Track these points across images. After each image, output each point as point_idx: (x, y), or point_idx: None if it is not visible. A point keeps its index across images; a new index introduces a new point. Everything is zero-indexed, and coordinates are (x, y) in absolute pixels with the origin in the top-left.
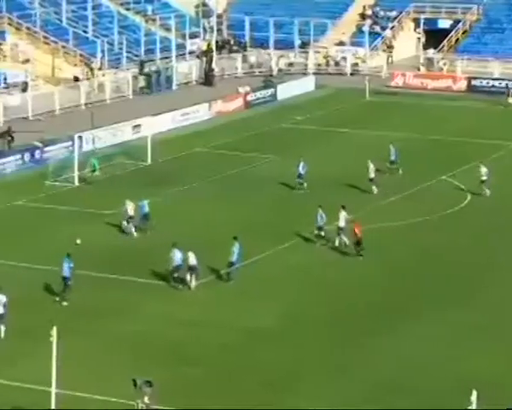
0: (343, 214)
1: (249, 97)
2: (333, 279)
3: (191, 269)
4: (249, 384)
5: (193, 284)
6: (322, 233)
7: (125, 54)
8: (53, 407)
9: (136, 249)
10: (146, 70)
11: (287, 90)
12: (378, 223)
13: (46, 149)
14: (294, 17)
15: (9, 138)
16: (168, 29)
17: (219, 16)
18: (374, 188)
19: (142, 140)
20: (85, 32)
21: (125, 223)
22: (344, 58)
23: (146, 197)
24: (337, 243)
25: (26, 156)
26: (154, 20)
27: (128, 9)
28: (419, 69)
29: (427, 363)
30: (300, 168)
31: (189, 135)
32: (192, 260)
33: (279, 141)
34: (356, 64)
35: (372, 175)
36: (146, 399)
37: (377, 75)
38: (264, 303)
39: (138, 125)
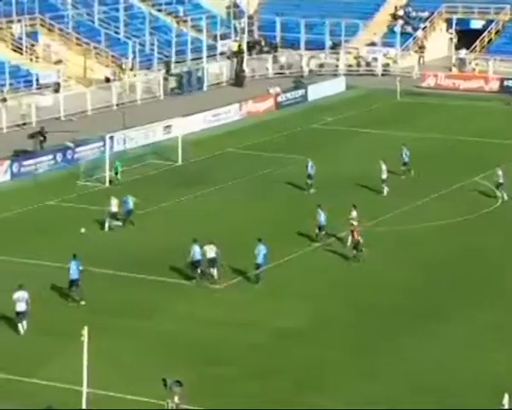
0: (354, 214)
1: (280, 98)
2: (361, 280)
3: (211, 262)
4: (277, 385)
5: (215, 274)
6: (323, 233)
7: (156, 55)
8: (84, 406)
9: (165, 249)
10: (173, 71)
11: (317, 91)
12: (409, 224)
13: (78, 149)
14: (325, 18)
15: (42, 139)
16: (199, 30)
17: (250, 17)
18: (385, 188)
19: (172, 141)
20: (117, 33)
21: (108, 220)
22: (375, 59)
23: (176, 197)
24: (349, 244)
25: (58, 156)
26: (185, 21)
27: (159, 10)
28: (451, 70)
29: (456, 364)
30: (309, 168)
31: (219, 135)
32: (211, 253)
33: (309, 142)
34: (387, 65)
35: (384, 176)
36: (176, 399)
37: (408, 76)
38: (293, 304)
39: (169, 126)
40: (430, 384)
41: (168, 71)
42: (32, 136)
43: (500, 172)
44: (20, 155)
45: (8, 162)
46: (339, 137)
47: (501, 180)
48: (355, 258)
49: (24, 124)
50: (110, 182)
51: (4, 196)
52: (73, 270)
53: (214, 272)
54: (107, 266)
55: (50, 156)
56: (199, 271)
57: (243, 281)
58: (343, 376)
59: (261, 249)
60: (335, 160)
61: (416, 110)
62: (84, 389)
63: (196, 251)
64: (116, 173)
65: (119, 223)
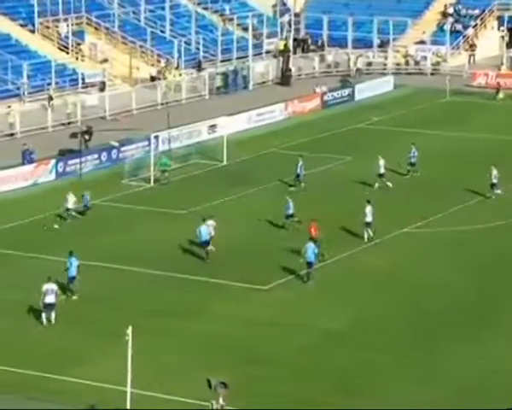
0: (369, 209)
1: (326, 97)
2: (410, 281)
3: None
4: (323, 386)
5: (210, 247)
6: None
7: (201, 53)
8: (128, 406)
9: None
10: (218, 70)
11: (365, 90)
12: (461, 225)
13: (123, 148)
14: (373, 15)
15: (87, 138)
16: (245, 28)
17: (297, 15)
18: (388, 183)
19: (217, 140)
20: (163, 31)
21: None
22: (424, 57)
23: (221, 197)
24: (366, 238)
25: (103, 156)
26: (231, 19)
27: (205, 9)
28: (500, 69)
29: (509, 367)
30: (298, 168)
31: (264, 135)
32: (212, 230)
33: (355, 142)
34: (436, 63)
35: (382, 171)
36: (221, 400)
37: (458, 75)
38: (339, 305)
39: (214, 125)
40: (483, 389)
41: (200, 70)
42: (74, 135)
43: (495, 172)
44: (65, 155)
45: (53, 162)
46: (385, 137)
47: (495, 180)
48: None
49: (69, 123)
50: (155, 181)
51: (49, 195)
52: (74, 267)
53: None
54: (150, 265)
55: (95, 156)
56: (207, 249)
57: (290, 281)
58: (389, 378)
59: (311, 247)
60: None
61: (465, 110)
62: (128, 389)
63: (204, 232)
64: (163, 171)
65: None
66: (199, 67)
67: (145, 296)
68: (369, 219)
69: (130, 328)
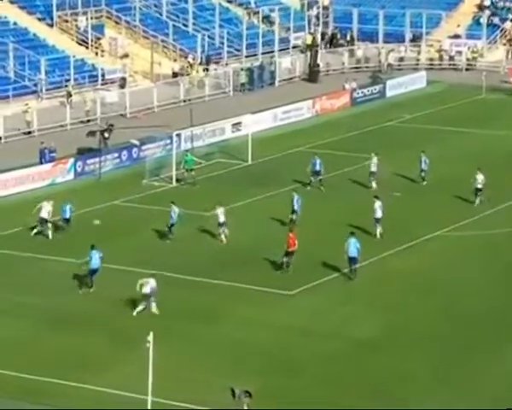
0: (378, 204)
1: (356, 94)
2: (442, 286)
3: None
4: (351, 397)
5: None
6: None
7: (226, 48)
8: None
9: (232, 253)
10: (232, 66)
11: (396, 87)
12: (490, 229)
13: (143, 147)
14: (405, 9)
15: (107, 136)
16: (271, 22)
17: (325, 8)
18: (373, 184)
19: (242, 139)
20: (185, 25)
21: (39, 227)
22: (459, 52)
23: (246, 198)
24: (378, 235)
25: (123, 155)
26: (256, 12)
27: (230, 2)
28: None
29: None
30: (317, 166)
31: (291, 133)
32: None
33: (385, 140)
34: (472, 59)
35: (373, 169)
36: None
37: (495, 70)
38: (369, 311)
39: (238, 123)
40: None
41: (208, 66)
42: (91, 133)
43: (481, 177)
44: (84, 153)
45: (71, 161)
46: (417, 136)
47: (479, 186)
48: (286, 265)
49: (88, 121)
50: (180, 180)
51: (68, 195)
52: (96, 259)
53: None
54: (170, 269)
55: (115, 154)
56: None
57: (317, 286)
58: (421, 388)
59: (352, 242)
60: (411, 160)
61: (502, 107)
62: (149, 398)
63: (175, 212)
64: (190, 170)
65: (49, 232)
66: (207, 64)
67: (165, 300)
68: (378, 214)
69: (151, 334)
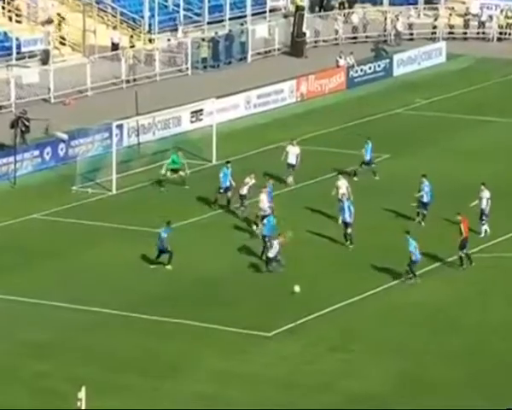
0: (344, 185)
1: (353, 72)
2: (474, 324)
3: None
4: None
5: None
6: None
7: (182, 12)
8: None
9: (193, 284)
10: (205, 35)
11: (406, 63)
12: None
13: (73, 142)
14: None
15: (23, 128)
16: None
17: None
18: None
19: (204, 131)
20: None
21: None
22: (489, 17)
23: (209, 211)
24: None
25: (47, 153)
26: None
27: None
28: None
29: None
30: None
31: (268, 124)
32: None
33: (393, 134)
34: (506, 25)
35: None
36: None
37: None
38: (371, 359)
39: (199, 111)
40: None
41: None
42: (13, 124)
43: (487, 195)
44: None
45: None
46: (434, 127)
47: (483, 206)
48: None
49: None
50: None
51: None
52: (165, 238)
53: None
54: (111, 305)
55: (36, 153)
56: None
57: (299, 326)
58: None
59: (412, 243)
60: (428, 158)
61: None
62: None
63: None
64: (175, 170)
65: None
66: (157, 33)
67: (106, 347)
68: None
69: (83, 389)
